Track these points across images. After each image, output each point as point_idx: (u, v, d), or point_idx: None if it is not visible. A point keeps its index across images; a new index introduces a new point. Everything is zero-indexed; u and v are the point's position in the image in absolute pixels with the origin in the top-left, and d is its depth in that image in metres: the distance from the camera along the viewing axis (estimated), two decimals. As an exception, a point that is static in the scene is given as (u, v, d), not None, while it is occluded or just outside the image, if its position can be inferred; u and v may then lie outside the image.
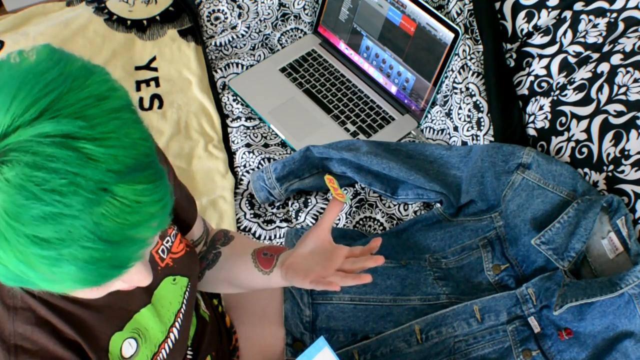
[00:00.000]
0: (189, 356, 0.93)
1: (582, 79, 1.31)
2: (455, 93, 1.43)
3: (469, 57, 1.42)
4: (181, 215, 0.90)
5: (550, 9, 1.41)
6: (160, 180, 0.55)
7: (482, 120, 1.38)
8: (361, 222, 1.36)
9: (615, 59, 1.27)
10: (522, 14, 1.44)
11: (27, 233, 0.50)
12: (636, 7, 1.30)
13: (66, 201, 0.49)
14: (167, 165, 0.86)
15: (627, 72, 1.25)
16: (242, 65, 1.60)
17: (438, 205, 1.35)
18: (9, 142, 0.50)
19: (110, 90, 0.54)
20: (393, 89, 1.56)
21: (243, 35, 1.64)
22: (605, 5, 1.33)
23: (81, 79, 0.53)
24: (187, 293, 0.87)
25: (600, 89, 1.28)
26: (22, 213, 0.49)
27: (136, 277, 0.62)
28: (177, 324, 0.85)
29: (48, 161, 0.49)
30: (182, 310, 0.86)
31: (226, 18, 1.64)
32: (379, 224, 1.36)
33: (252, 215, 1.36)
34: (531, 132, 1.38)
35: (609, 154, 1.23)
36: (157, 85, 1.57)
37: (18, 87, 0.51)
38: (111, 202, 0.51)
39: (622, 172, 1.21)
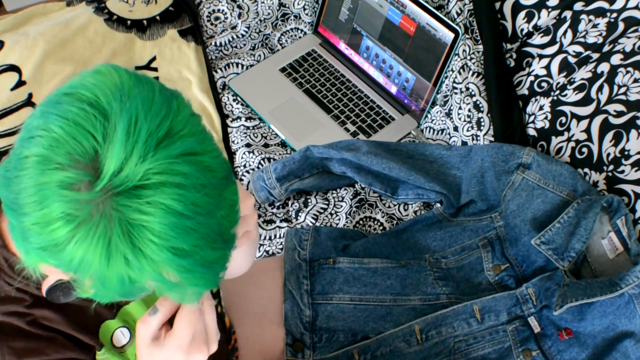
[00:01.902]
0: None
1: (582, 79, 1.31)
2: (455, 93, 1.43)
3: (469, 57, 1.42)
4: None
5: (550, 9, 1.41)
6: None
7: (482, 120, 1.38)
8: (361, 222, 1.36)
9: (615, 59, 1.27)
10: (522, 14, 1.44)
11: (167, 246, 0.53)
12: (636, 7, 1.30)
13: (202, 211, 0.54)
14: None
15: (627, 72, 1.25)
16: (242, 65, 1.60)
17: (438, 205, 1.35)
18: (149, 166, 0.52)
19: (191, 106, 0.60)
20: (393, 89, 1.56)
21: (243, 35, 1.64)
22: (605, 5, 1.33)
23: (175, 99, 0.58)
24: None
25: (600, 89, 1.28)
26: (167, 230, 0.52)
27: None
28: None
29: (184, 178, 0.53)
30: None
31: (226, 18, 1.64)
32: (379, 224, 1.36)
33: (252, 215, 1.36)
34: (531, 132, 1.38)
35: (609, 154, 1.23)
36: (157, 85, 1.57)
37: (135, 114, 0.54)
38: (224, 204, 0.56)
39: (622, 172, 1.21)
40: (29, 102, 1.48)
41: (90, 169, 0.51)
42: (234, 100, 1.54)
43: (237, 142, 1.47)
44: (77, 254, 0.52)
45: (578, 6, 1.37)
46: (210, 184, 0.55)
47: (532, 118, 1.38)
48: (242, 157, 1.44)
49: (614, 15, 1.32)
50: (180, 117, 0.56)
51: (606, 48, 1.31)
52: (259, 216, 1.37)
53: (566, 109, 1.32)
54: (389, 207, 1.38)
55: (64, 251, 0.52)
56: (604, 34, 1.32)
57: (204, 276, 0.56)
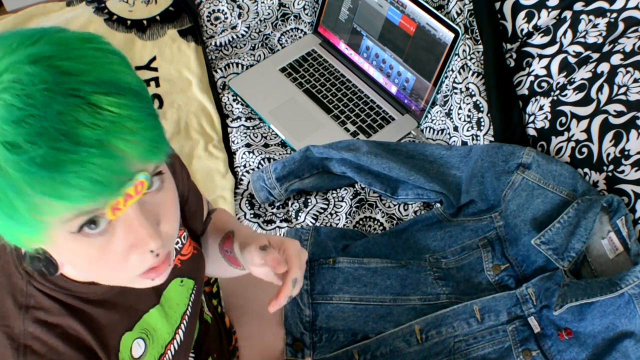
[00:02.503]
0: (190, 359, 0.93)
1: (582, 79, 1.31)
2: (455, 93, 1.43)
3: (469, 57, 1.42)
4: (189, 221, 0.90)
5: (550, 9, 1.41)
6: (145, 106, 0.56)
7: (482, 120, 1.38)
8: (361, 222, 1.36)
9: (615, 59, 1.27)
10: (522, 14, 1.44)
11: (1, 140, 0.51)
12: (636, 7, 1.30)
13: (36, 104, 0.51)
14: (181, 167, 0.87)
15: (627, 72, 1.25)
16: (242, 65, 1.60)
17: (438, 205, 1.35)
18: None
19: (100, 37, 0.58)
20: (393, 89, 1.56)
21: (243, 35, 1.64)
22: (605, 5, 1.33)
23: (66, 31, 0.57)
24: (193, 295, 0.87)
25: (600, 89, 1.28)
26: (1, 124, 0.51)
27: (133, 232, 0.59)
28: (182, 325, 0.85)
29: (26, 75, 0.52)
30: (188, 312, 0.86)
31: (226, 18, 1.64)
32: (379, 224, 1.36)
33: (252, 215, 1.36)
34: (531, 132, 1.38)
35: (609, 154, 1.23)
36: (157, 85, 1.57)
37: (6, 36, 0.55)
38: (83, 108, 0.52)
39: (622, 172, 1.21)
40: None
41: None
42: (234, 100, 1.54)
43: (237, 142, 1.47)
44: None
45: (578, 6, 1.37)
46: (60, 84, 0.52)
47: (532, 118, 1.38)
48: (242, 157, 1.44)
49: (614, 15, 1.32)
50: (55, 35, 0.56)
51: (606, 48, 1.31)
52: (259, 216, 1.37)
53: (566, 109, 1.32)
54: (389, 207, 1.38)
55: None
56: (604, 34, 1.32)
57: (48, 182, 0.52)
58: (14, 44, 0.54)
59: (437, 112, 1.49)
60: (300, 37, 1.68)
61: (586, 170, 1.26)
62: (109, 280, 0.65)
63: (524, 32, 1.45)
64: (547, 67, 1.38)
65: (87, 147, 0.52)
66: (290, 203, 1.39)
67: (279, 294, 0.80)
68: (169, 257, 0.65)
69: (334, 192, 1.40)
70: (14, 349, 0.66)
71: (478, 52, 1.44)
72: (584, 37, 1.35)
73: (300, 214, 1.36)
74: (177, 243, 0.85)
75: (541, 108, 1.36)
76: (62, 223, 0.56)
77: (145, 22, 1.65)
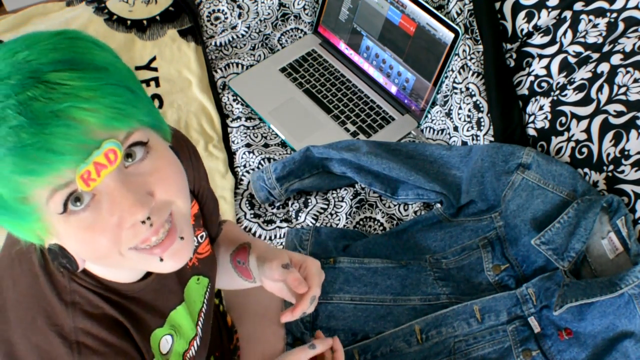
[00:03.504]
0: None
1: (582, 79, 1.31)
2: (455, 93, 1.43)
3: (469, 57, 1.42)
4: (206, 224, 0.91)
5: (550, 9, 1.41)
6: (108, 77, 0.57)
7: (482, 120, 1.38)
8: (361, 222, 1.36)
9: (615, 59, 1.27)
10: (522, 14, 1.44)
11: None
12: (636, 7, 1.30)
13: None
14: (204, 171, 0.88)
15: (627, 72, 1.25)
16: (242, 65, 1.60)
17: (438, 205, 1.35)
18: None
19: (74, 30, 0.59)
20: (393, 89, 1.56)
21: (243, 35, 1.64)
22: (605, 5, 1.33)
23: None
24: (207, 293, 0.88)
25: (600, 89, 1.28)
26: None
27: (117, 204, 0.58)
28: (200, 322, 0.86)
29: None
30: (204, 309, 0.87)
31: (226, 18, 1.64)
32: (379, 224, 1.36)
33: (252, 216, 1.36)
34: (531, 132, 1.38)
35: (609, 154, 1.23)
36: (157, 85, 1.57)
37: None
38: (37, 86, 0.54)
39: (622, 172, 1.21)
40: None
41: None
42: (234, 100, 1.54)
43: (237, 142, 1.47)
44: None
45: (578, 6, 1.37)
46: (18, 71, 0.54)
47: (532, 118, 1.38)
48: (242, 157, 1.44)
49: (614, 15, 1.32)
50: (31, 35, 0.58)
51: (606, 48, 1.31)
52: (259, 216, 1.37)
53: (566, 109, 1.32)
54: (389, 207, 1.38)
55: None
56: (604, 34, 1.32)
57: (12, 160, 0.54)
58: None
59: (437, 112, 1.49)
60: (300, 37, 1.68)
61: (586, 170, 1.26)
62: (112, 263, 0.65)
63: (524, 32, 1.45)
64: (547, 67, 1.39)
65: (41, 120, 0.53)
66: (290, 203, 1.39)
67: (296, 308, 0.83)
68: (174, 232, 0.63)
69: (334, 192, 1.40)
70: (68, 347, 0.66)
71: (478, 52, 1.44)
72: (584, 37, 1.35)
73: (300, 214, 1.36)
74: (194, 242, 0.85)
75: (541, 108, 1.36)
76: (45, 205, 0.56)
77: (145, 22, 1.65)
